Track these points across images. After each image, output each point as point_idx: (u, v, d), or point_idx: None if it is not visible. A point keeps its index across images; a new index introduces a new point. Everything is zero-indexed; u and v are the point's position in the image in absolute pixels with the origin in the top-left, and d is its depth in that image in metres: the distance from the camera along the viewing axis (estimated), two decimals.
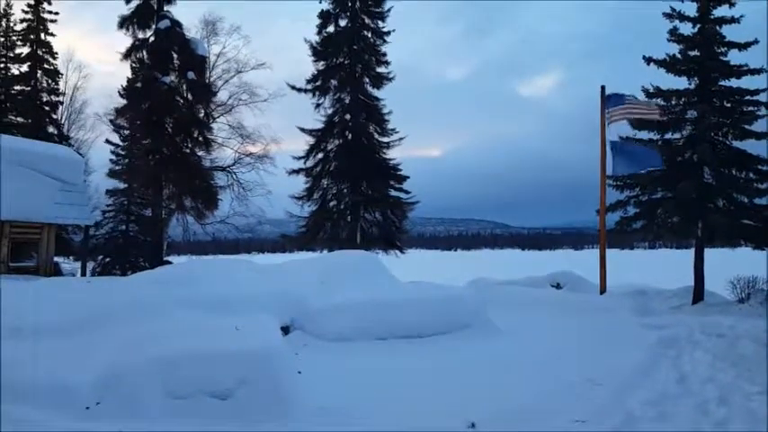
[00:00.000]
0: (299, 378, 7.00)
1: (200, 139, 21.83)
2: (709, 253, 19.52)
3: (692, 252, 19.74)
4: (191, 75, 21.14)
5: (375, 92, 25.38)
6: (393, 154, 25.55)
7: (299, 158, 25.20)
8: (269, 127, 36.76)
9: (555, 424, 6.16)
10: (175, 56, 21.30)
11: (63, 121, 31.62)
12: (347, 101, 25.08)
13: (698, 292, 18.76)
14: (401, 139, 25.30)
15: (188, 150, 21.64)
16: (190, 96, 21.58)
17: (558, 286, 19.25)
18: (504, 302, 14.07)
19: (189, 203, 22.09)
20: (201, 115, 22.18)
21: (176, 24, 21.22)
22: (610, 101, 19.07)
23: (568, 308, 14.46)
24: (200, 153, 22.32)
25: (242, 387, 6.10)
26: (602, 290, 18.56)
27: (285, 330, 9.82)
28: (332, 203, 25.35)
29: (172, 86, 21.00)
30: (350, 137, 25.09)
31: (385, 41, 25.27)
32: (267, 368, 6.29)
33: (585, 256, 33.07)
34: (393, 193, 25.48)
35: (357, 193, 24.74)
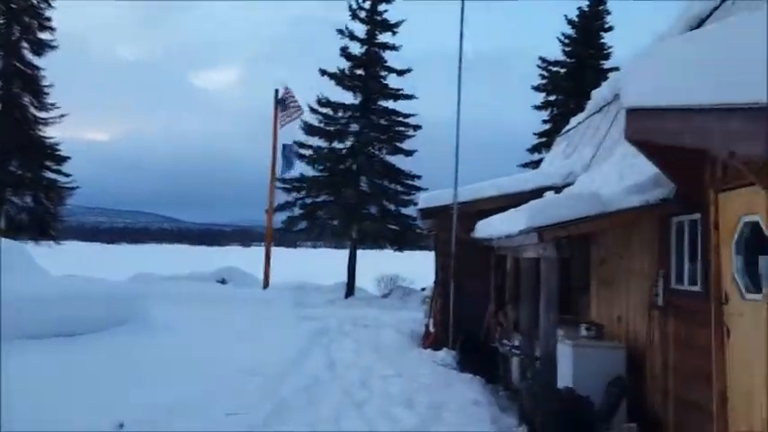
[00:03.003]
0: None
1: None
2: (362, 253, 21.90)
3: (347, 252, 21.86)
4: None
5: (36, 60, 22.73)
6: (52, 132, 23.32)
7: None
8: None
9: (207, 418, 6.19)
10: None
11: None
12: None
13: (350, 288, 20.91)
14: (63, 116, 23.16)
15: None
16: None
17: (223, 281, 19.58)
18: (168, 298, 13.72)
19: None
20: None
21: None
22: (282, 105, 19.89)
23: (232, 302, 14.85)
24: None
25: None
26: (266, 285, 19.40)
27: None
28: None
29: None
30: None
31: (50, 5, 22.88)
32: None
33: (253, 253, 34.15)
34: (49, 175, 23.08)
35: (3, 173, 21.74)
